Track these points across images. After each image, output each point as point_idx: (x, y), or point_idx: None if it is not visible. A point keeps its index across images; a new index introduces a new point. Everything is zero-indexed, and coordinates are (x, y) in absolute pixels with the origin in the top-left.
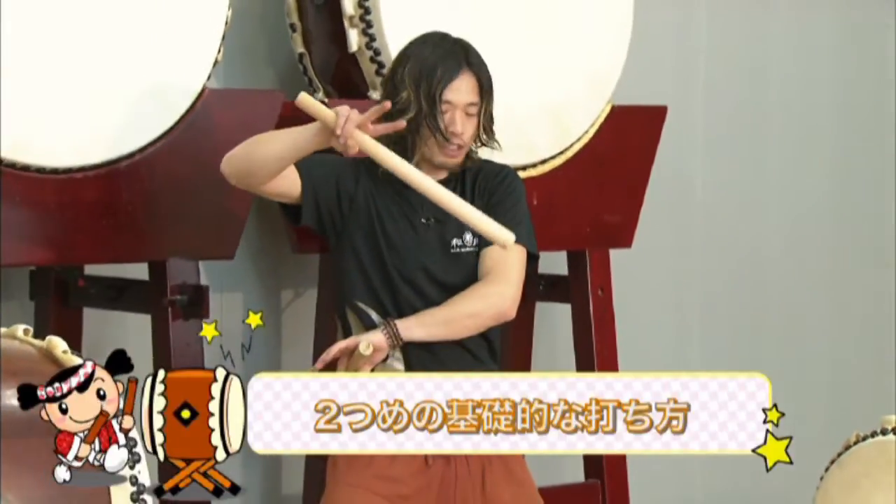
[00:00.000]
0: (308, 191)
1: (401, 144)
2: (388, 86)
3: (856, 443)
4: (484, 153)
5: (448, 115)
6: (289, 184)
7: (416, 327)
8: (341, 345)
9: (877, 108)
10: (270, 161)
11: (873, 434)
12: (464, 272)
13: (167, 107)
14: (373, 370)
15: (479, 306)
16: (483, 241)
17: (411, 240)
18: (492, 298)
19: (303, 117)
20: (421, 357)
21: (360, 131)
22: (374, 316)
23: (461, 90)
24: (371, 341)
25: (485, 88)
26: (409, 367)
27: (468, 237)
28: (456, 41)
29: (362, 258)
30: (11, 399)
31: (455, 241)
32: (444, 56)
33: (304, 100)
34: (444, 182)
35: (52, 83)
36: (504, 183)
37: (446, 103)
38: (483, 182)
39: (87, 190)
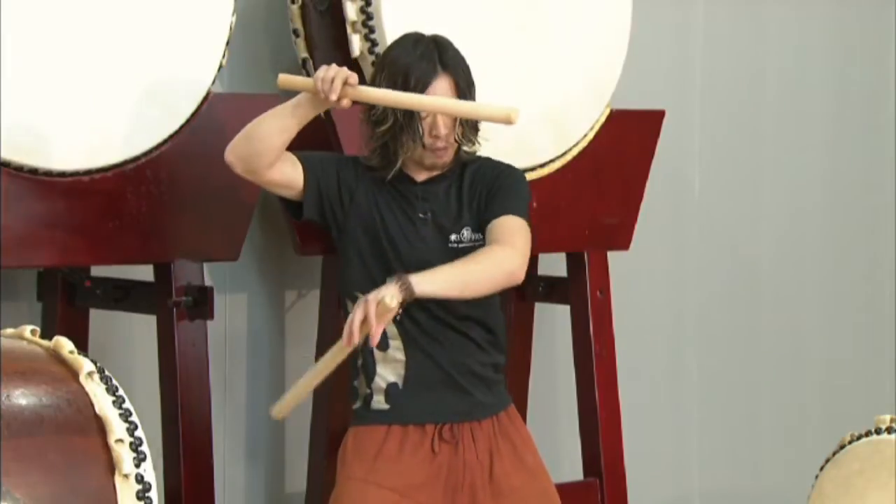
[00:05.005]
0: (311, 181)
1: (384, 150)
2: None
3: (850, 442)
4: (487, 152)
5: (429, 120)
6: (293, 172)
7: (427, 283)
8: (359, 317)
9: (874, 110)
10: (274, 134)
11: (868, 433)
12: None
13: (172, 111)
14: (375, 363)
15: (488, 264)
16: (485, 236)
17: (411, 234)
18: (501, 258)
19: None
20: (423, 342)
21: (350, 87)
22: None
23: (437, 94)
24: (391, 293)
25: (461, 88)
26: (410, 353)
27: (466, 233)
28: (430, 41)
29: (363, 252)
30: (19, 398)
31: (453, 237)
32: (417, 61)
33: (284, 80)
34: (443, 177)
35: (59, 87)
36: (505, 172)
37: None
38: (482, 173)
39: (93, 193)
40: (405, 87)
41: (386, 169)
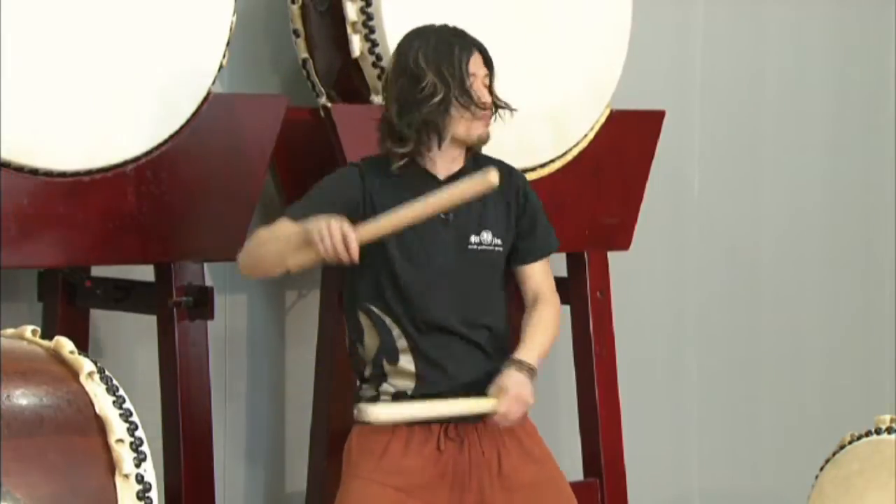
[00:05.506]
0: None
1: (428, 129)
2: (400, 80)
3: (850, 442)
4: (487, 151)
5: (476, 85)
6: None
7: (535, 359)
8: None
9: (874, 110)
10: (273, 260)
11: (868, 433)
12: (478, 271)
13: (173, 111)
14: (385, 375)
15: (554, 326)
16: (514, 251)
17: (427, 236)
18: (557, 316)
19: (300, 119)
20: (434, 355)
21: (357, 235)
22: (388, 321)
23: (478, 63)
24: (526, 386)
25: (488, 62)
26: (421, 367)
27: (486, 236)
28: (448, 27)
29: (375, 261)
30: (20, 399)
31: (473, 238)
32: (452, 37)
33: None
34: (462, 172)
35: (59, 88)
36: (528, 199)
37: (472, 75)
38: (507, 180)
39: (94, 193)
40: (450, 58)
41: (420, 150)
